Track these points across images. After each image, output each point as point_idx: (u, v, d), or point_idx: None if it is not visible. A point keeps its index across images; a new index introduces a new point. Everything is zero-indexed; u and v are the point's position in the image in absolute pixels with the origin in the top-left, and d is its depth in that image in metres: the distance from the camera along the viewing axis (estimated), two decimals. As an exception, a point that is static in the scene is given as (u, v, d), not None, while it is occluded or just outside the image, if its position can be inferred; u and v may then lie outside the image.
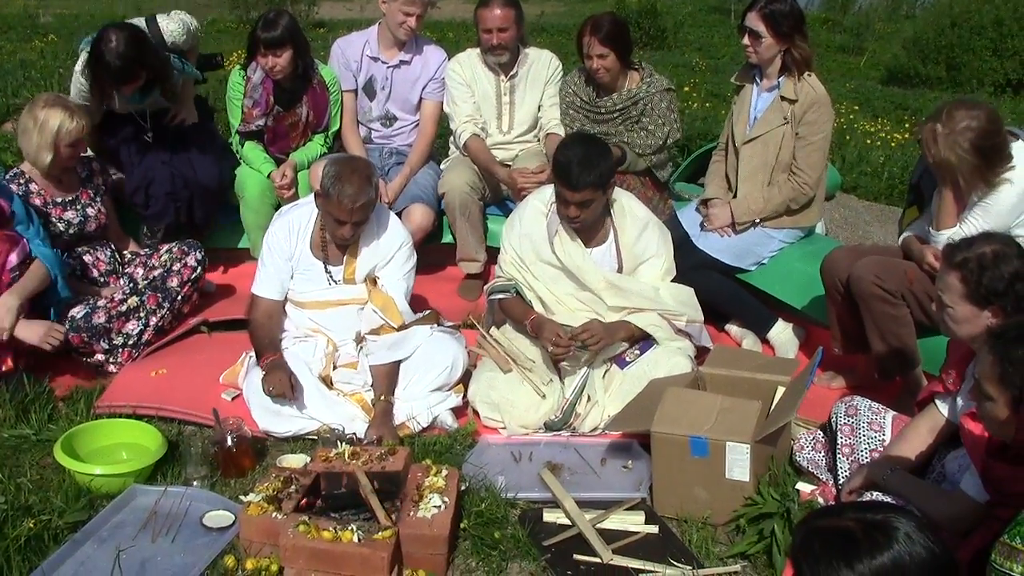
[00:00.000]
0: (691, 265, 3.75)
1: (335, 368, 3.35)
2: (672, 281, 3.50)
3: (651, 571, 2.48)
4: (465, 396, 3.32)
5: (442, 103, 4.45)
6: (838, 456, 2.78)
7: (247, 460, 2.94)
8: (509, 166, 4.31)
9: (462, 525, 2.62)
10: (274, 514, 2.50)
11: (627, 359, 3.32)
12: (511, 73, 4.32)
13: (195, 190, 4.15)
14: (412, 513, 2.50)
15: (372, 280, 3.37)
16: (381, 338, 3.28)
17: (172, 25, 4.09)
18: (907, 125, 9.50)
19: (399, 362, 3.25)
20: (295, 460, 2.94)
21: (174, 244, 3.88)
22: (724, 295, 3.91)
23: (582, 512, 2.68)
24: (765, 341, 3.94)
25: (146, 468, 2.84)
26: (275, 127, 4.27)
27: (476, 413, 3.29)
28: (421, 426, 3.19)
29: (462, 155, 4.38)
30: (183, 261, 3.79)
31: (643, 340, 3.36)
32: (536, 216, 3.44)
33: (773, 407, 2.95)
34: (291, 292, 3.39)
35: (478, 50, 4.34)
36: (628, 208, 3.44)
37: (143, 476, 2.83)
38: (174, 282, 3.75)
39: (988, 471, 2.26)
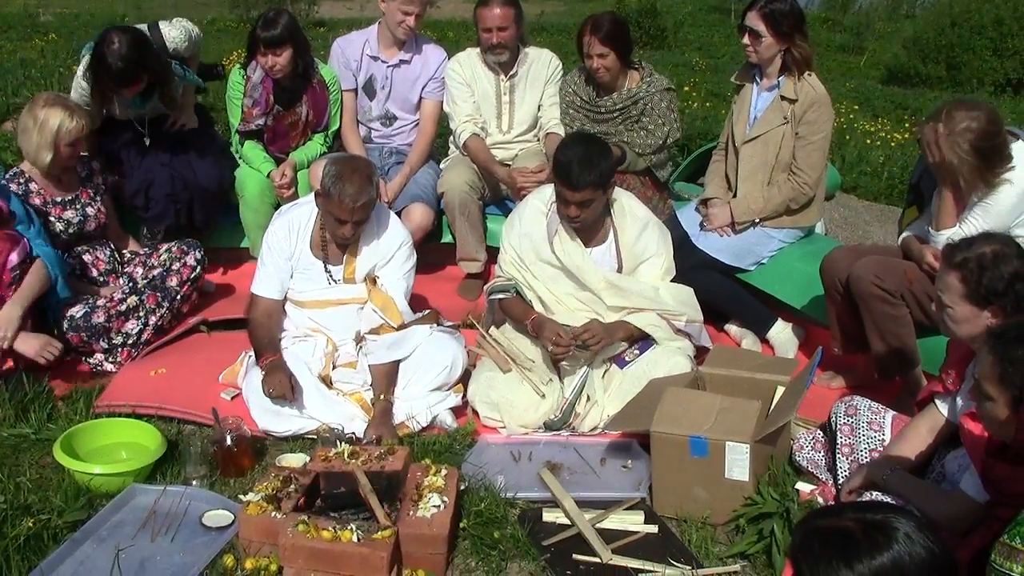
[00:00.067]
0: (691, 265, 3.75)
1: (334, 368, 3.35)
2: (672, 281, 3.50)
3: (651, 571, 2.48)
4: (464, 396, 3.32)
5: (442, 102, 4.45)
6: (838, 456, 2.78)
7: (246, 459, 2.94)
8: (509, 165, 4.31)
9: (461, 525, 2.62)
10: (273, 513, 2.49)
11: (626, 359, 3.32)
12: (511, 72, 4.32)
13: (195, 192, 4.15)
14: (411, 513, 2.50)
15: (372, 280, 3.36)
16: (380, 338, 3.28)
17: (174, 32, 4.10)
18: (907, 125, 9.50)
19: (398, 362, 3.25)
20: (294, 460, 2.94)
21: (173, 244, 3.88)
22: (724, 295, 3.91)
23: (581, 512, 2.68)
24: (765, 341, 3.94)
25: (145, 467, 2.84)
26: (275, 126, 4.27)
27: (475, 413, 3.29)
28: (420, 425, 3.19)
29: (462, 155, 4.38)
30: (182, 260, 3.79)
31: (642, 340, 3.36)
32: (536, 216, 3.44)
33: (773, 407, 2.95)
34: (291, 291, 3.39)
35: (478, 49, 4.34)
36: (628, 208, 3.44)
37: (142, 475, 2.83)
38: (173, 281, 3.75)
39: (988, 471, 2.25)
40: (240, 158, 4.34)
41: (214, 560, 2.47)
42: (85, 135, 3.64)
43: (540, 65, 4.37)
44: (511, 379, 3.28)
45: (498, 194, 4.48)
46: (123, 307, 3.58)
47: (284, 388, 3.05)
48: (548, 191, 3.45)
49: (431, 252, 4.38)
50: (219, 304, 4.09)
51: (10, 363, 3.26)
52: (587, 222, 3.30)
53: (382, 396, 3.16)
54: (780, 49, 3.77)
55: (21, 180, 3.61)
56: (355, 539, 2.36)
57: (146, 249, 4.00)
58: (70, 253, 3.70)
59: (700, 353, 3.48)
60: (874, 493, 2.47)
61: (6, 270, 3.22)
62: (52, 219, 3.64)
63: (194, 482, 2.82)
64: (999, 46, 13.84)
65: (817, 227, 4.29)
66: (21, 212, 3.38)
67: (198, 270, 3.82)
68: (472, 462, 2.97)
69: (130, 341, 3.59)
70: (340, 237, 3.22)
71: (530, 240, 3.42)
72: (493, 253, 3.93)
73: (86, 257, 3.76)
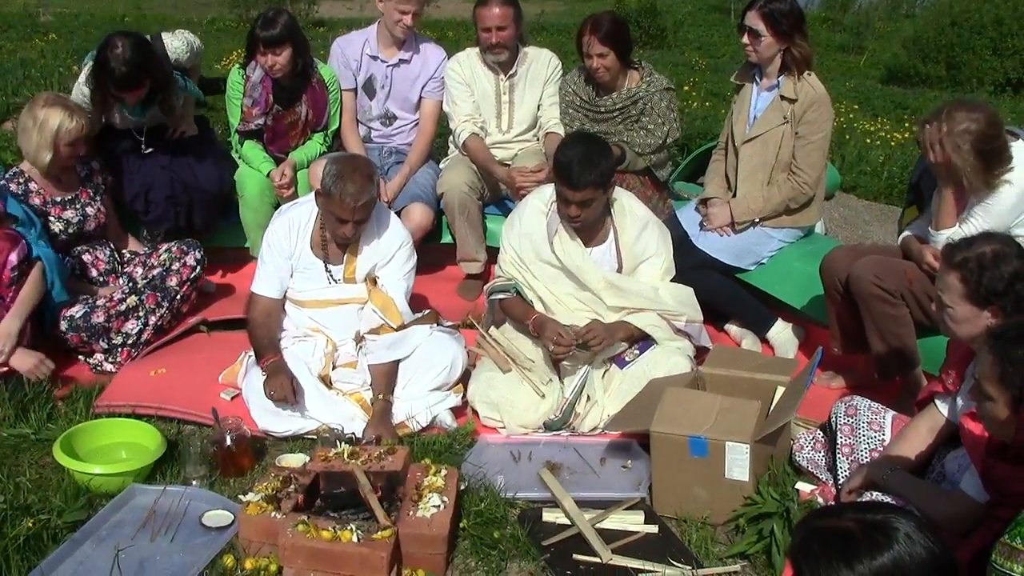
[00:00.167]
0: (690, 265, 3.75)
1: (334, 367, 3.35)
2: (672, 281, 3.50)
3: (650, 571, 2.48)
4: (464, 396, 3.32)
5: (441, 102, 4.44)
6: (838, 456, 2.78)
7: (246, 459, 2.94)
8: (508, 165, 4.31)
9: (461, 525, 2.62)
10: (273, 514, 2.49)
11: (626, 359, 3.32)
12: (510, 72, 4.32)
13: (195, 195, 4.14)
14: (411, 513, 2.50)
15: (372, 280, 3.36)
16: (380, 338, 3.28)
17: (176, 42, 4.12)
18: (907, 124, 9.49)
19: (398, 361, 3.25)
20: (294, 460, 2.93)
21: (173, 244, 3.88)
22: (723, 295, 3.91)
23: (581, 512, 2.68)
24: (765, 341, 3.94)
25: (145, 467, 2.84)
26: (274, 126, 4.27)
27: (475, 413, 3.29)
28: (420, 425, 3.19)
29: (461, 154, 4.38)
30: (182, 260, 3.79)
31: (642, 340, 3.36)
32: (536, 215, 3.44)
33: (773, 407, 2.95)
34: (291, 291, 3.38)
35: (477, 49, 4.34)
36: (628, 207, 3.44)
37: (142, 475, 2.83)
38: (173, 281, 3.74)
39: (988, 471, 2.25)
40: (240, 158, 4.34)
41: (214, 560, 2.47)
42: (84, 136, 3.64)
43: (539, 65, 4.37)
44: (511, 379, 3.28)
45: (498, 194, 4.47)
46: (123, 307, 3.58)
47: (286, 391, 3.05)
48: (548, 191, 3.45)
49: (431, 252, 4.38)
50: (219, 304, 4.09)
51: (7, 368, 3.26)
52: (587, 222, 3.30)
53: (381, 396, 3.16)
54: (780, 49, 3.77)
55: (21, 180, 3.61)
56: (355, 539, 2.36)
57: (146, 249, 4.00)
58: (70, 253, 3.70)
59: (700, 353, 3.48)
60: (874, 493, 2.47)
61: (6, 270, 3.22)
62: (52, 219, 3.63)
63: (194, 482, 2.82)
64: (999, 46, 13.85)
65: (817, 227, 4.28)
66: (22, 215, 3.38)
67: (198, 270, 3.82)
68: (472, 462, 2.97)
69: (130, 341, 3.59)
70: (341, 237, 3.22)
71: (530, 240, 3.42)
72: (493, 253, 3.93)
73: (86, 257, 3.76)
